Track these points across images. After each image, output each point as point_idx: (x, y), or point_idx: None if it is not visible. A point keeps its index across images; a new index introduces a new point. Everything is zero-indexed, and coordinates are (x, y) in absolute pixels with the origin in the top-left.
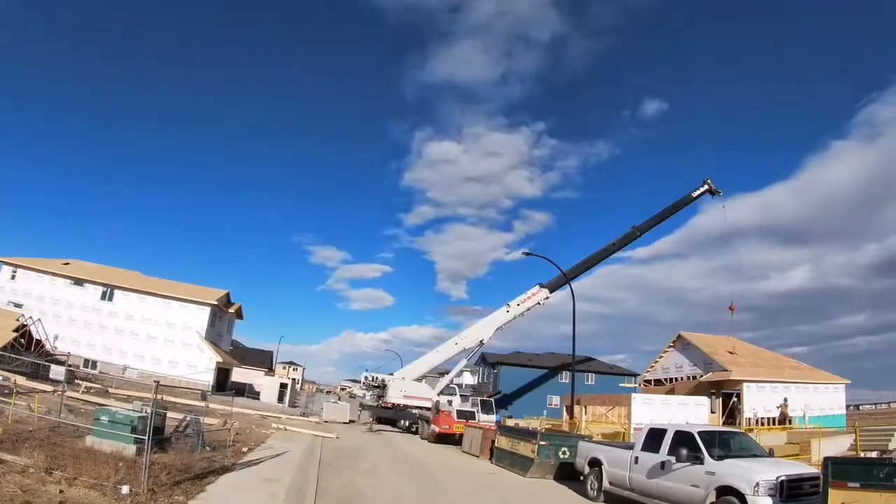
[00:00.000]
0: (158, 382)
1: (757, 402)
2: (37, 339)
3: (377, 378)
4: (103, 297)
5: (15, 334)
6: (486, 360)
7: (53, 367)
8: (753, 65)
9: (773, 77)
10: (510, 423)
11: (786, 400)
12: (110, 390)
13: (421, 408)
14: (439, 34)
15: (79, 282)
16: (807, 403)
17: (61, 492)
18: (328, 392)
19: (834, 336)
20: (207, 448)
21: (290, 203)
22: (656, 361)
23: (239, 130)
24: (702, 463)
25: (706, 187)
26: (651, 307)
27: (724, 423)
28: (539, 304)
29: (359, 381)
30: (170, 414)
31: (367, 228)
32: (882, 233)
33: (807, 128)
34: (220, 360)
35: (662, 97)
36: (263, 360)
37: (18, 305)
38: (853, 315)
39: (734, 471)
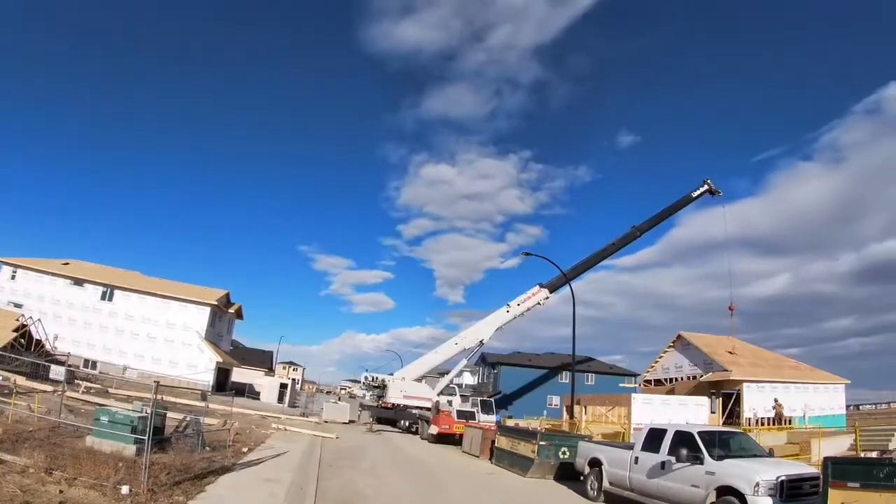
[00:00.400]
0: (158, 382)
1: (757, 402)
2: (37, 340)
3: (377, 378)
4: (103, 298)
5: (15, 334)
6: (486, 361)
7: (53, 367)
8: (716, 98)
9: (734, 105)
10: (510, 423)
11: (776, 400)
12: (110, 390)
13: (421, 408)
14: (435, 78)
15: (79, 282)
16: (807, 403)
17: (61, 492)
18: (328, 392)
19: (824, 338)
20: (207, 448)
21: (291, 204)
22: (656, 361)
23: (239, 131)
24: (702, 463)
25: (706, 187)
26: (641, 311)
27: (724, 423)
28: (539, 304)
29: (359, 382)
30: (170, 414)
31: (367, 238)
32: (858, 244)
33: (772, 149)
34: (220, 360)
35: (634, 131)
36: (263, 361)
37: (18, 305)
38: (839, 319)
39: (734, 471)
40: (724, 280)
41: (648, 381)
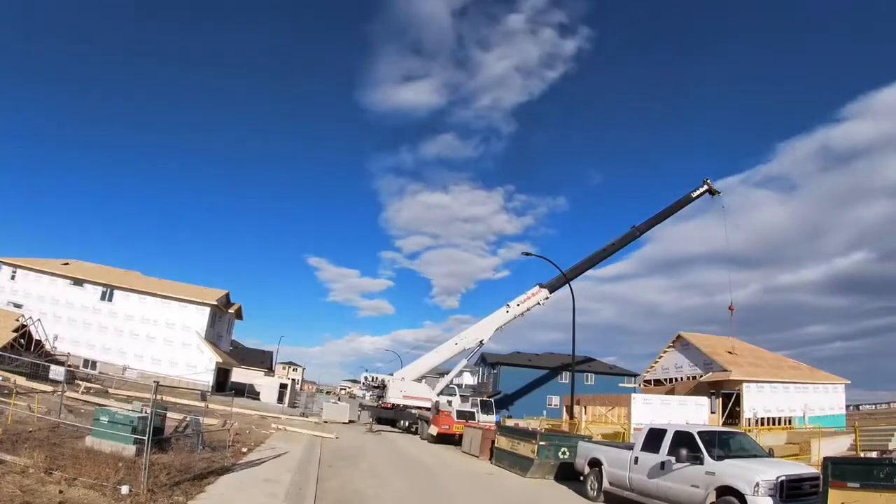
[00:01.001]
0: (158, 383)
1: (757, 402)
2: (36, 340)
3: (377, 378)
4: (103, 298)
5: (15, 334)
6: (485, 361)
7: (53, 367)
8: (667, 140)
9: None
10: (510, 423)
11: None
12: (110, 390)
13: (421, 408)
14: (429, 130)
15: (78, 282)
16: (806, 404)
17: (61, 492)
18: (328, 392)
19: (809, 342)
20: (207, 448)
21: (297, 216)
22: (656, 361)
23: (241, 133)
24: (702, 463)
25: (706, 187)
26: (627, 317)
27: (724, 424)
28: (539, 304)
29: (359, 382)
30: (169, 414)
31: (369, 251)
32: (825, 257)
33: (728, 177)
34: (220, 360)
35: (599, 171)
36: (263, 361)
37: (18, 306)
38: (815, 325)
39: (734, 471)
40: (701, 289)
41: (648, 382)
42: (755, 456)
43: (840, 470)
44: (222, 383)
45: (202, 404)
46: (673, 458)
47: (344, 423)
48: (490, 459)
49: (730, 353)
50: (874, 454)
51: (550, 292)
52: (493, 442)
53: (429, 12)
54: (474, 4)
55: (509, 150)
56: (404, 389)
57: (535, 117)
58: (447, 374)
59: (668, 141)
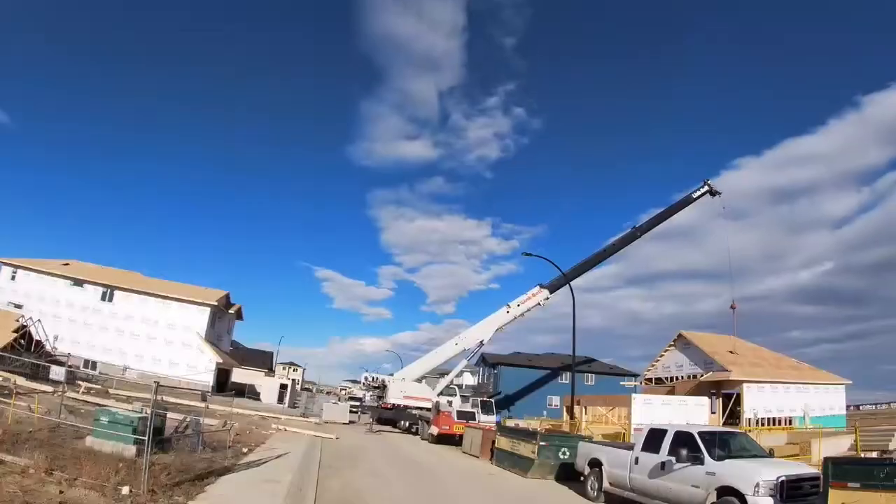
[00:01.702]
0: (158, 383)
1: (757, 402)
2: (37, 340)
3: (377, 379)
4: (103, 298)
5: (15, 335)
6: (486, 361)
7: (53, 367)
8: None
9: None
10: (510, 423)
11: None
12: (110, 391)
13: (421, 408)
14: (421, 175)
15: (79, 282)
16: (807, 404)
17: (61, 492)
18: (328, 393)
19: (794, 345)
20: (207, 449)
21: (292, 210)
22: (657, 360)
23: (241, 134)
24: (702, 463)
25: (706, 188)
26: (614, 323)
27: (725, 424)
28: (539, 304)
29: (359, 382)
30: (170, 415)
31: (371, 265)
32: (790, 271)
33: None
34: (220, 360)
35: (571, 203)
36: (263, 361)
37: (18, 306)
38: (792, 331)
39: (734, 471)
40: (678, 298)
41: (649, 380)
42: (755, 456)
43: (840, 470)
44: (223, 384)
45: (202, 405)
46: (673, 459)
47: (344, 423)
48: (490, 460)
49: (730, 352)
50: (874, 454)
51: (551, 293)
52: (493, 442)
53: (420, 90)
54: (458, 87)
55: (493, 190)
56: (405, 390)
57: (513, 167)
58: (447, 374)
59: (616, 178)
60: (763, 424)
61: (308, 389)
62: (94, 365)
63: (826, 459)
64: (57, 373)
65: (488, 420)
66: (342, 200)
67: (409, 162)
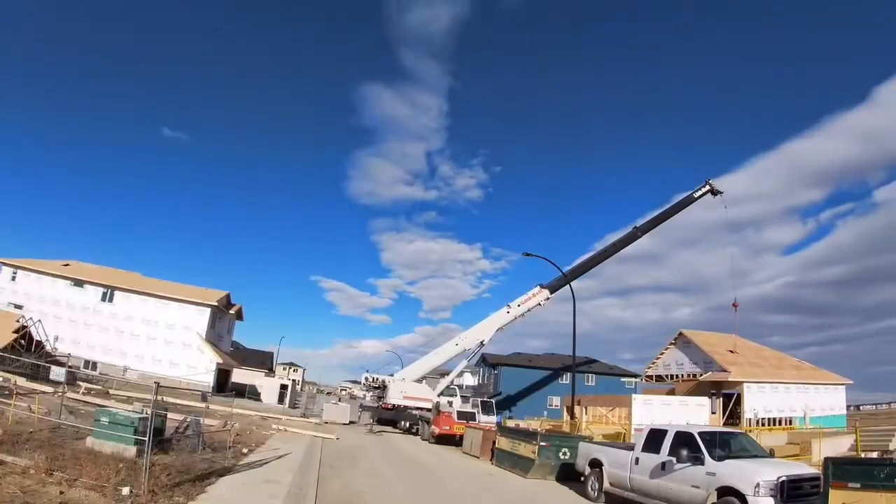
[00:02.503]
0: (159, 383)
1: (758, 402)
2: (37, 341)
3: (377, 379)
4: (103, 299)
5: (15, 335)
6: (486, 361)
7: (54, 368)
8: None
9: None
10: (510, 423)
11: None
12: (111, 391)
13: (421, 409)
14: (414, 210)
15: (79, 283)
16: (807, 404)
17: (61, 493)
18: (328, 393)
19: (781, 348)
20: (208, 449)
21: (294, 219)
22: (658, 358)
23: (242, 134)
24: (702, 464)
25: (708, 188)
26: (601, 328)
27: (725, 424)
28: (540, 304)
29: (359, 383)
30: (170, 415)
31: (365, 276)
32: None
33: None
34: (221, 361)
35: (548, 224)
36: (264, 362)
37: (19, 307)
38: (773, 336)
39: (735, 471)
40: (658, 306)
41: (650, 377)
42: (756, 456)
43: (841, 470)
44: (223, 384)
45: (203, 405)
46: (674, 459)
47: (344, 423)
48: (491, 460)
49: (731, 351)
50: (875, 454)
51: (551, 293)
52: (493, 443)
53: (412, 150)
54: (446, 147)
55: (481, 222)
56: (405, 390)
57: (498, 203)
58: (448, 374)
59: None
60: (763, 424)
61: (319, 392)
62: (94, 365)
63: (826, 459)
64: (57, 373)
65: (489, 420)
66: (344, 228)
67: (405, 201)
